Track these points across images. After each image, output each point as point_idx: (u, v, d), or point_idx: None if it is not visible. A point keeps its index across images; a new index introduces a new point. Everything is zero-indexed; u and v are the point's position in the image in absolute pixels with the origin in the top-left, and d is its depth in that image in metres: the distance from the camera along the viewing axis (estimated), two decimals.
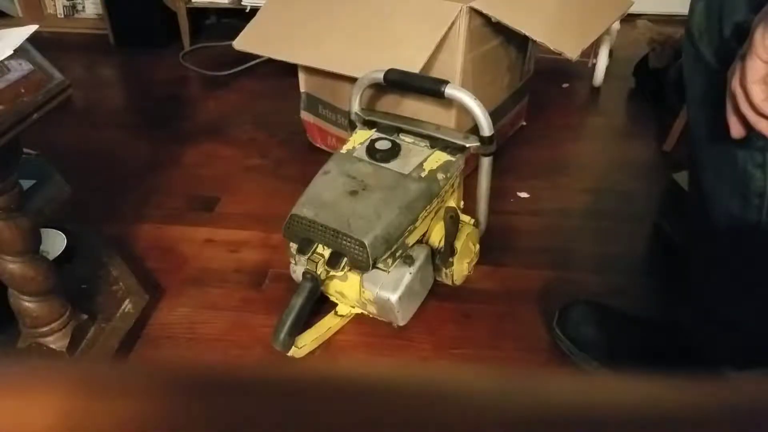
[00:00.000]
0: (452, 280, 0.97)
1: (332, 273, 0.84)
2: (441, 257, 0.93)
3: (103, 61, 1.95)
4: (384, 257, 0.85)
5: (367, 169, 0.90)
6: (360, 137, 0.97)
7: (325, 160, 0.94)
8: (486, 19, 1.08)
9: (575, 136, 1.49)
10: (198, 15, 2.02)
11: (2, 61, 0.66)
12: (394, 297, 0.86)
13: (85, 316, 0.88)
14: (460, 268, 0.97)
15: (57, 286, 0.81)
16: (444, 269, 0.95)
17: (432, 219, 0.93)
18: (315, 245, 0.84)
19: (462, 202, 1.04)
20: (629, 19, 1.61)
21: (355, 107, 1.02)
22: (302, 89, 1.34)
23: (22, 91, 0.63)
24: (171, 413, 0.14)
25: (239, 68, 1.73)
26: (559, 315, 0.90)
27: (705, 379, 0.15)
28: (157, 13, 1.91)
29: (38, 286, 0.78)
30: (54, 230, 1.03)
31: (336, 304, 0.96)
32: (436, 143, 0.94)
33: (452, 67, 1.08)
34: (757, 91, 0.52)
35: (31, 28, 0.72)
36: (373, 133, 0.98)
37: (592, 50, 1.63)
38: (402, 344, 0.92)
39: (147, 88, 1.78)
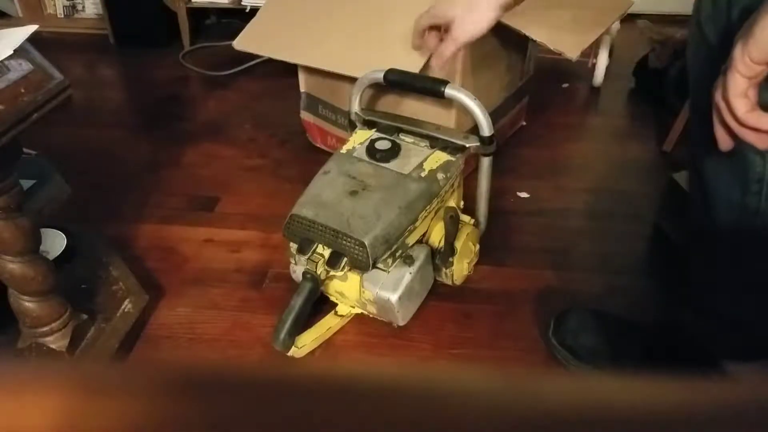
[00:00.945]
0: (452, 280, 0.97)
1: (332, 273, 0.84)
2: (441, 257, 0.93)
3: (103, 61, 1.95)
4: (384, 257, 0.85)
5: (367, 169, 0.90)
6: (360, 137, 0.97)
7: (325, 160, 0.94)
8: None
9: (575, 136, 1.49)
10: (198, 15, 2.02)
11: (2, 61, 0.66)
12: (394, 297, 0.86)
13: (85, 316, 0.88)
14: (460, 268, 0.97)
15: (57, 286, 0.81)
16: (444, 269, 0.95)
17: (432, 219, 0.93)
18: (315, 245, 0.84)
19: (462, 202, 1.04)
20: (629, 19, 1.61)
21: (355, 107, 1.02)
22: (302, 89, 1.34)
23: (22, 91, 0.63)
24: (171, 413, 0.14)
25: (239, 68, 1.73)
26: (554, 324, 0.89)
27: (704, 380, 0.15)
28: (157, 13, 1.91)
29: (38, 286, 0.78)
30: (54, 230, 1.03)
31: (336, 304, 0.96)
32: (436, 143, 0.94)
33: (452, 67, 1.08)
34: (739, 105, 0.53)
35: (31, 28, 0.72)
36: (373, 133, 0.98)
37: (592, 50, 1.63)
38: (402, 344, 0.93)
39: (147, 88, 1.78)
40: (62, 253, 1.00)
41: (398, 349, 0.92)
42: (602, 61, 1.61)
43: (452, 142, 0.94)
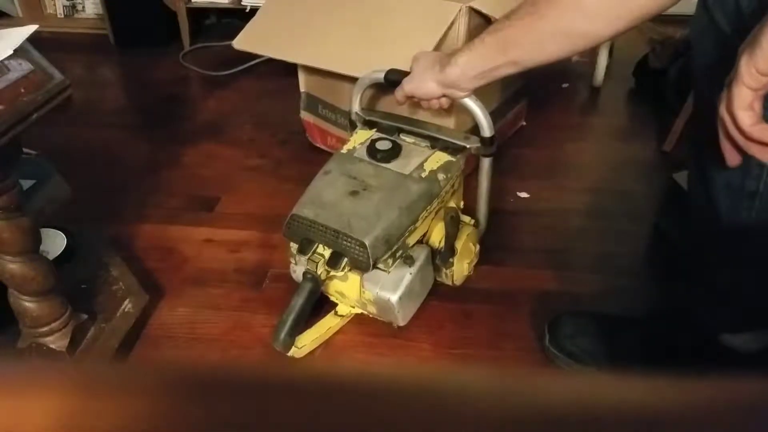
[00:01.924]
0: (452, 280, 0.97)
1: (332, 273, 0.84)
2: (441, 257, 0.93)
3: (103, 61, 1.95)
4: (384, 257, 0.85)
5: (367, 170, 0.90)
6: (360, 137, 0.97)
7: (325, 160, 0.94)
8: (486, 18, 1.08)
9: (575, 136, 1.49)
10: (198, 15, 2.02)
11: (2, 61, 0.66)
12: (394, 297, 0.86)
13: (85, 316, 0.88)
14: (460, 269, 0.97)
15: (57, 286, 0.81)
16: (444, 269, 0.95)
17: (432, 219, 0.93)
18: (315, 245, 0.84)
19: (462, 202, 1.04)
20: None
21: (356, 107, 1.02)
22: (302, 89, 1.34)
23: (22, 91, 0.63)
24: (171, 413, 0.14)
25: (239, 68, 1.73)
26: (549, 332, 0.88)
27: (704, 380, 0.15)
28: (157, 13, 1.91)
29: (38, 286, 0.78)
30: (54, 230, 1.03)
31: (336, 304, 0.96)
32: (436, 143, 0.94)
33: None
34: (745, 117, 0.53)
35: (31, 28, 0.72)
36: (373, 133, 0.98)
37: (592, 50, 1.63)
38: (402, 344, 0.93)
39: (147, 88, 1.78)
40: (62, 253, 1.00)
41: (398, 349, 0.92)
42: (602, 61, 1.61)
43: (453, 143, 0.94)
